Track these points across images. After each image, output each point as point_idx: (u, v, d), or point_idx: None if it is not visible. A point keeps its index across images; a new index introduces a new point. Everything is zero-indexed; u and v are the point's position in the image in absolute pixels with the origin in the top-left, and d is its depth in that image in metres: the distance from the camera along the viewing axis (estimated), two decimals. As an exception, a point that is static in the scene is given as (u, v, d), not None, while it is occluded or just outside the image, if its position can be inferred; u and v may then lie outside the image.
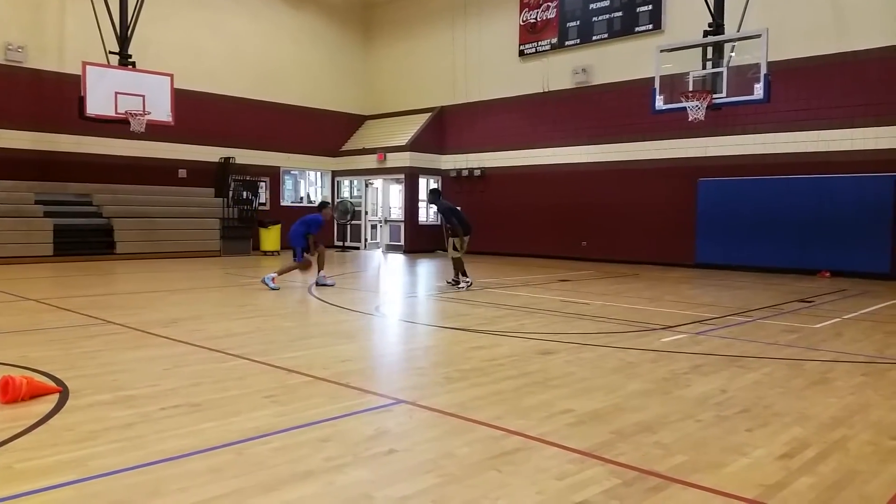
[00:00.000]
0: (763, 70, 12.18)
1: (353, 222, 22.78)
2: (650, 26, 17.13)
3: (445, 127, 22.00)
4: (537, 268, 15.92)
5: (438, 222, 18.64)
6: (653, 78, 13.76)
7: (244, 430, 3.80)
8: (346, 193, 23.64)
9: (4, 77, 16.48)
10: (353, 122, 23.96)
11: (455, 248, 11.37)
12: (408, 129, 21.91)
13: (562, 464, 3.35)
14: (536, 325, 7.64)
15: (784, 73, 13.99)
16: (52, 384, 4.62)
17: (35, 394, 4.33)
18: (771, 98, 12.62)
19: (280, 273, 11.06)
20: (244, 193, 19.66)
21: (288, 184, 22.92)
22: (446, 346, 6.71)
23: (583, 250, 18.16)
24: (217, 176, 19.88)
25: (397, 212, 22.40)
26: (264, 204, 21.21)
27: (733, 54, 13.26)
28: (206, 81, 19.69)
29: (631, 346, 6.41)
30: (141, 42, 16.10)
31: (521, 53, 19.89)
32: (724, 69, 13.10)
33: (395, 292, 11.51)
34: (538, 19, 19.45)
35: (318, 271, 11.43)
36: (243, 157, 20.27)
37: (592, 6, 18.28)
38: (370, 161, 22.05)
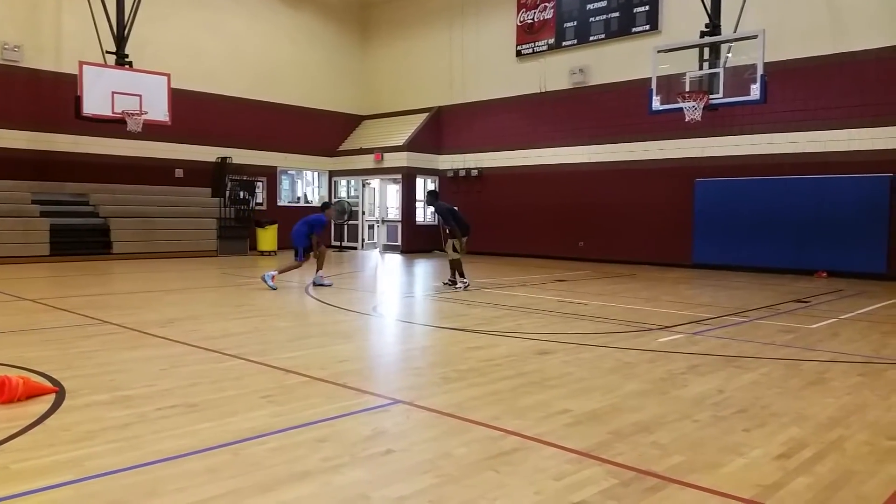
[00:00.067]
0: (760, 71, 12.20)
1: (351, 222, 22.77)
2: (647, 27, 17.15)
3: (443, 127, 22.00)
4: (534, 268, 15.93)
5: (436, 223, 18.64)
6: (650, 78, 13.78)
7: (241, 430, 3.79)
8: (343, 193, 23.63)
9: (1, 77, 16.43)
10: (351, 122, 23.95)
11: (454, 249, 11.38)
12: (405, 130, 21.90)
13: (559, 464, 3.35)
14: (534, 325, 7.64)
15: (781, 74, 14.02)
16: (48, 384, 4.61)
17: (31, 394, 4.32)
18: (768, 99, 12.66)
19: (280, 272, 11.10)
20: (241, 193, 19.62)
21: (285, 184, 22.90)
22: (444, 346, 6.71)
23: (580, 250, 18.18)
24: (214, 176, 19.85)
25: (394, 212, 22.38)
26: (261, 204, 21.19)
27: (730, 55, 13.28)
28: (204, 81, 19.66)
29: (628, 347, 6.41)
30: (138, 42, 16.06)
31: (519, 54, 19.89)
32: (720, 70, 13.12)
33: (393, 292, 11.50)
34: (535, 20, 19.46)
35: (317, 271, 11.42)
36: (240, 156, 20.24)
37: (589, 7, 18.29)
38: (367, 161, 22.04)
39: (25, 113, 16.77)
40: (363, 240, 22.85)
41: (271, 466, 3.26)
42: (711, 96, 12.99)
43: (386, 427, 3.95)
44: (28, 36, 16.85)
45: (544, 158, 19.27)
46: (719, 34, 13.58)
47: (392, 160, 21.35)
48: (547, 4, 19.18)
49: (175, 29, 19.10)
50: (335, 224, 22.69)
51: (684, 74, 13.42)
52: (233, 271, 14.16)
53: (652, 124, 16.10)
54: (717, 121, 15.11)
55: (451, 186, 21.34)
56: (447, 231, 11.58)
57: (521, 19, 19.80)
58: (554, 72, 19.07)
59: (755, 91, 12.34)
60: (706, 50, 13.68)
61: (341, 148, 23.37)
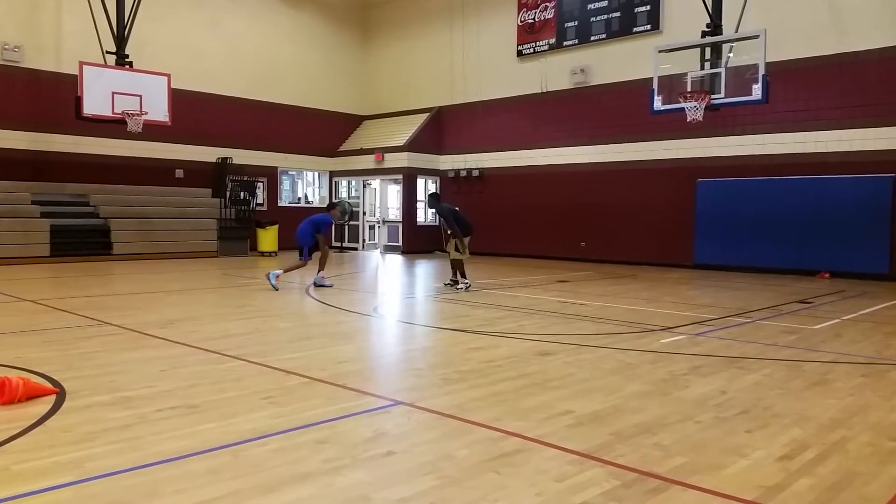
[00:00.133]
0: (761, 71, 12.19)
1: (351, 223, 22.76)
2: (648, 27, 17.14)
3: (443, 127, 21.99)
4: (536, 268, 15.92)
5: (436, 223, 18.63)
6: (651, 78, 13.77)
7: (242, 431, 3.78)
8: (343, 194, 23.62)
9: (1, 77, 16.43)
10: (351, 123, 23.95)
11: (458, 250, 11.37)
12: (406, 130, 21.90)
13: (561, 465, 3.34)
14: (535, 326, 7.63)
15: (783, 74, 14.00)
16: (48, 385, 4.60)
17: (32, 395, 4.31)
18: (770, 99, 12.63)
19: (285, 271, 11.16)
20: (241, 194, 19.62)
21: (285, 184, 22.89)
22: (445, 347, 6.70)
23: (581, 251, 18.16)
24: (214, 176, 19.85)
25: (395, 212, 22.38)
26: (262, 204, 21.18)
27: (731, 55, 13.26)
28: (204, 81, 19.66)
29: (630, 348, 6.40)
30: (138, 42, 16.06)
31: (520, 54, 19.88)
32: (722, 70, 13.11)
33: (394, 293, 11.50)
34: (536, 20, 19.45)
35: (318, 272, 11.42)
36: (241, 157, 20.24)
37: (590, 6, 18.28)
38: (368, 161, 22.03)
39: (25, 113, 16.77)
40: (364, 240, 22.85)
41: (272, 468, 3.25)
42: (713, 96, 12.97)
43: (387, 428, 3.94)
44: (28, 36, 16.86)
45: (545, 159, 19.26)
46: (721, 34, 13.57)
47: (393, 160, 21.34)
48: (548, 4, 19.17)
49: (175, 29, 19.10)
50: (336, 225, 22.67)
51: (686, 74, 13.40)
52: (233, 272, 14.15)
53: (653, 124, 16.08)
54: (719, 121, 15.09)
55: (451, 187, 21.33)
56: (449, 232, 11.57)
57: (522, 19, 19.79)
58: (555, 72, 19.06)
59: (757, 91, 12.33)
60: (707, 50, 13.66)
61: (342, 148, 23.36)
